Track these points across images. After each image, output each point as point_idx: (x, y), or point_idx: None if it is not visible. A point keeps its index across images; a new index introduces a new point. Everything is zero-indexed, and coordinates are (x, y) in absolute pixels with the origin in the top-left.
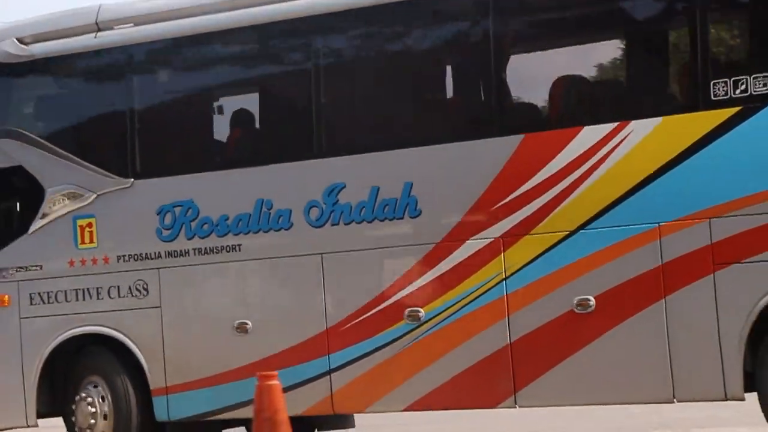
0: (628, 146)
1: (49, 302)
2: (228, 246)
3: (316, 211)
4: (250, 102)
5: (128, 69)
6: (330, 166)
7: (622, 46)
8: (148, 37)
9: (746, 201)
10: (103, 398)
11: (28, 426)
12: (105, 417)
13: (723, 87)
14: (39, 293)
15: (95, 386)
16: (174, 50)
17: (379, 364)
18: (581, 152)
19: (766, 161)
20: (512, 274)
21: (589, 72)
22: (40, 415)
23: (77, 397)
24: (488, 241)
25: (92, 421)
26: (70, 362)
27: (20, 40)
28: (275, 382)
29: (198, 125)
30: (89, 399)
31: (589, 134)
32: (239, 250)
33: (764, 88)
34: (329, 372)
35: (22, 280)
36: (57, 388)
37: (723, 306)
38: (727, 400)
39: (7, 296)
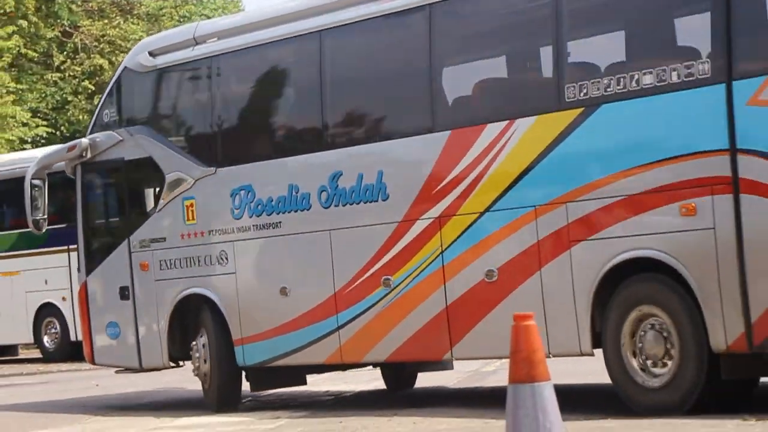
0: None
1: (170, 268)
2: (271, 223)
3: (325, 194)
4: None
5: (212, 77)
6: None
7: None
8: (228, 49)
9: (590, 186)
10: (204, 345)
11: (164, 367)
12: (205, 361)
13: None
14: (165, 260)
15: (201, 336)
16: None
17: (368, 322)
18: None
19: (603, 153)
20: (446, 249)
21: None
22: (173, 358)
23: (193, 344)
24: (431, 220)
25: (197, 364)
26: (190, 316)
27: (151, 53)
28: (531, 322)
29: (257, 122)
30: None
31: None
32: (279, 226)
33: (598, 92)
34: (338, 328)
35: (155, 250)
36: (186, 336)
37: (576, 276)
38: (581, 355)
39: (146, 262)
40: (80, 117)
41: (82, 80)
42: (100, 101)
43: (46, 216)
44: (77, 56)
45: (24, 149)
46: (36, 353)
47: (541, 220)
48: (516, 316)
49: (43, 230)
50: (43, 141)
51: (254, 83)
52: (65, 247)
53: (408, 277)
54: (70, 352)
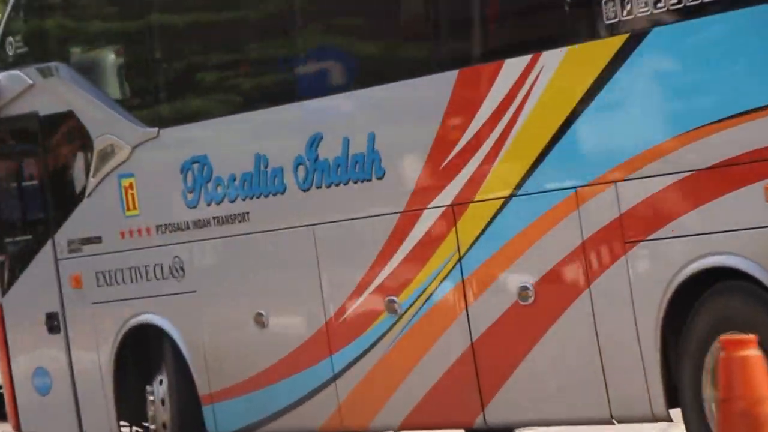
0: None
1: (109, 284)
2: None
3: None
4: None
5: None
6: None
7: None
8: None
9: (645, 157)
10: (162, 398)
11: None
12: (164, 425)
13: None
14: (102, 272)
15: (159, 381)
16: None
17: (372, 368)
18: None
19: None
20: (465, 254)
21: None
22: (127, 421)
23: (148, 394)
24: (441, 210)
25: (153, 425)
26: (145, 355)
27: None
28: (752, 351)
29: None
30: None
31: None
32: (247, 219)
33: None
34: (334, 378)
35: (88, 256)
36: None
37: (637, 297)
38: (655, 420)
39: (78, 275)
40: None
41: None
42: (1, 20)
43: None
44: None
45: None
46: None
47: (584, 209)
48: (726, 343)
49: None
50: None
51: None
52: None
53: (419, 299)
54: None
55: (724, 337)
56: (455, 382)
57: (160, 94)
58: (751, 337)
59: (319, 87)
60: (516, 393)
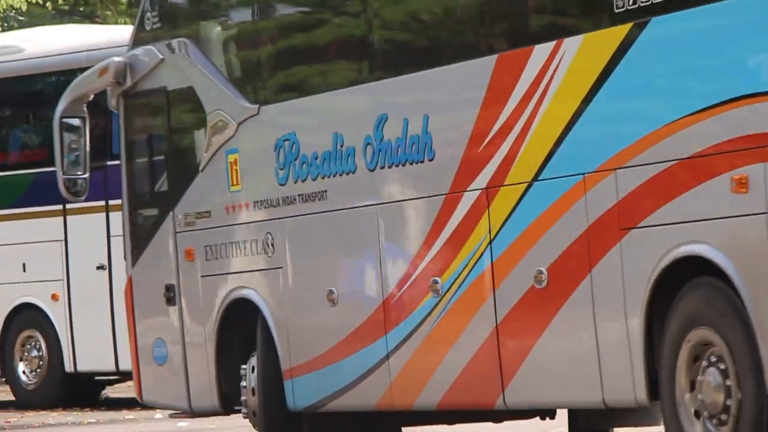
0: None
1: (216, 258)
2: None
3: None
4: None
5: None
6: None
7: None
8: None
9: (640, 145)
10: (254, 375)
11: (214, 413)
12: (255, 398)
13: None
14: (210, 246)
15: (251, 360)
16: None
17: (418, 348)
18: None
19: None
20: (495, 237)
21: None
22: (226, 399)
23: (242, 371)
24: (477, 193)
25: (245, 401)
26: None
27: None
28: None
29: None
30: None
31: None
32: (325, 198)
33: None
34: (387, 356)
35: (200, 230)
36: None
37: (627, 283)
38: (638, 407)
39: (191, 249)
40: None
41: None
42: None
43: (87, 173)
44: None
45: None
46: (4, 392)
47: (590, 195)
48: None
49: (83, 195)
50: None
51: None
52: (59, 207)
53: (456, 280)
54: (63, 391)
55: None
56: (482, 363)
57: (261, 72)
58: None
59: (387, 70)
60: (530, 376)
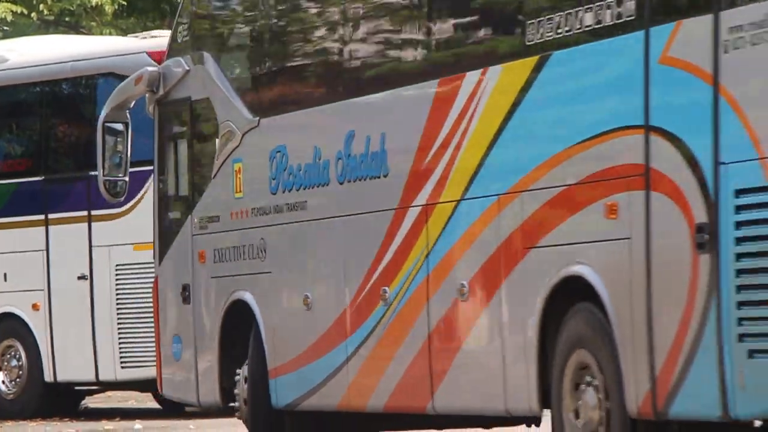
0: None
1: (222, 261)
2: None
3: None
4: None
5: None
6: None
7: None
8: None
9: (539, 171)
10: (245, 377)
11: (218, 406)
12: (245, 400)
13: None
14: (218, 249)
15: (246, 363)
16: None
17: (371, 353)
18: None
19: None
20: (431, 250)
21: None
22: (227, 395)
23: (236, 374)
24: (418, 209)
25: (238, 402)
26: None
27: None
28: None
29: None
30: None
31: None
32: (305, 208)
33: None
34: (347, 360)
35: (210, 233)
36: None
37: (528, 299)
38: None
39: (204, 251)
40: None
41: None
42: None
43: (127, 177)
44: None
45: None
46: None
47: (502, 215)
48: None
49: (122, 196)
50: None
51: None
52: (41, 217)
53: (400, 291)
54: (43, 401)
55: None
56: (417, 370)
57: (261, 87)
58: None
59: (355, 90)
60: (453, 384)
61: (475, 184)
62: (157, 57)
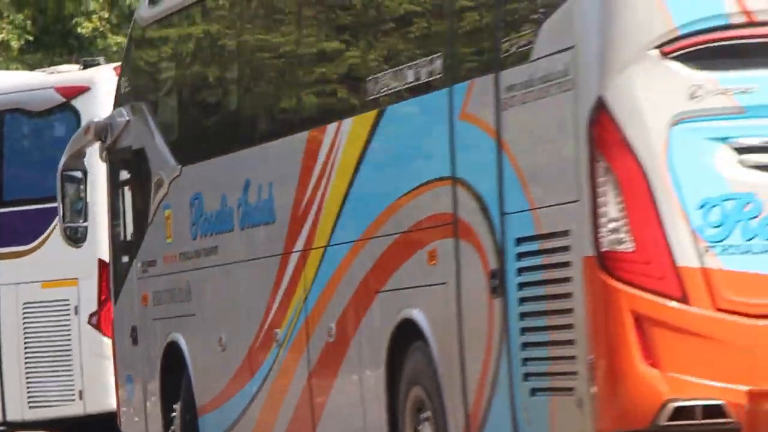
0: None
1: (159, 303)
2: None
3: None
4: None
5: (184, 33)
6: None
7: None
8: None
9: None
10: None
11: None
12: None
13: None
14: (155, 292)
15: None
16: None
17: (267, 395)
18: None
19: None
20: (309, 293)
21: None
22: None
23: (173, 412)
24: (297, 255)
25: None
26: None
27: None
28: None
29: None
30: None
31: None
32: (216, 253)
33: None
34: (250, 402)
35: (149, 277)
36: None
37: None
38: None
39: (146, 293)
40: None
41: None
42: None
43: (86, 222)
44: None
45: None
46: None
47: (357, 260)
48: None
49: (83, 241)
50: None
51: (209, 50)
52: None
53: (288, 332)
54: None
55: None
56: (302, 409)
57: (182, 136)
58: None
59: (249, 139)
60: (328, 423)
61: (336, 231)
62: (65, 92)
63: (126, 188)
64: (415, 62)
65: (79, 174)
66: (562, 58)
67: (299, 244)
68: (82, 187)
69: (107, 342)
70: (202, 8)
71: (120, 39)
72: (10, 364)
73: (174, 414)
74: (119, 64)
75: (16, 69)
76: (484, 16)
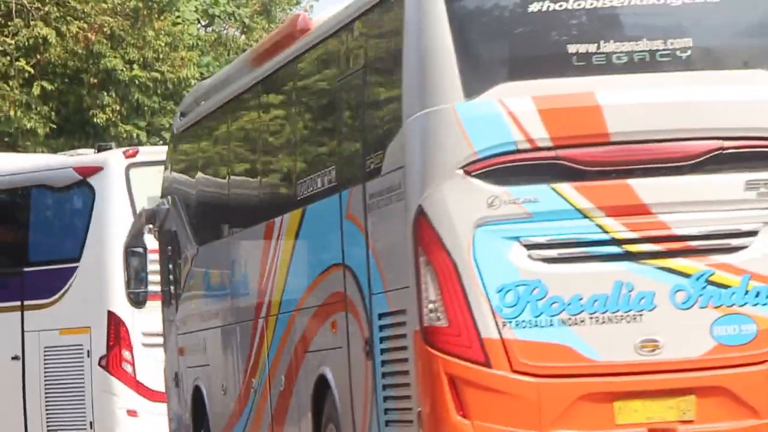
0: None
1: (190, 354)
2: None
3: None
4: None
5: (198, 141)
6: None
7: None
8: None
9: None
10: None
11: None
12: None
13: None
14: (187, 346)
15: None
16: None
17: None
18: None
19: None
20: (269, 351)
21: None
22: None
23: None
24: (262, 320)
25: None
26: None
27: (182, 113)
28: None
29: None
30: None
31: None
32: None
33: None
34: None
35: (184, 333)
36: None
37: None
38: None
39: (183, 347)
40: (12, 112)
41: (17, 58)
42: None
43: (148, 288)
44: (10, 24)
45: None
46: None
47: (294, 326)
48: None
49: (144, 304)
50: None
51: (212, 150)
52: None
53: (259, 383)
54: None
55: None
56: None
57: (197, 222)
58: None
59: (234, 227)
60: None
61: (283, 302)
62: (82, 172)
63: (170, 262)
64: (322, 171)
65: (140, 250)
66: (397, 174)
67: (263, 312)
68: (141, 260)
69: (114, 380)
70: (207, 128)
71: (129, 127)
72: (33, 398)
73: None
74: (128, 148)
75: (42, 152)
76: (356, 138)
